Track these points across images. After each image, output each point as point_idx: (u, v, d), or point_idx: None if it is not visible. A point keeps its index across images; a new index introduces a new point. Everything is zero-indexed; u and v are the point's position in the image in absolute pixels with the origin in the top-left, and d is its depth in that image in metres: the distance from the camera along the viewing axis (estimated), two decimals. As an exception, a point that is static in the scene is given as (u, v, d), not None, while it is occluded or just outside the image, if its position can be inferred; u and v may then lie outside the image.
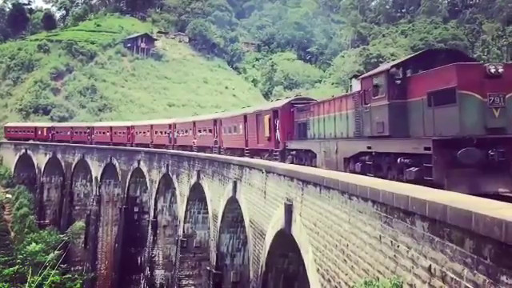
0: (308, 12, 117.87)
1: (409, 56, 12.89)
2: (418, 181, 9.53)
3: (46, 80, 79.28)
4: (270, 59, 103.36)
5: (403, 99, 11.35)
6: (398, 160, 10.77)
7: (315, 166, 15.96)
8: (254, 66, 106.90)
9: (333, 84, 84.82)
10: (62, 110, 74.96)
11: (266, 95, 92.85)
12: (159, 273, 31.79)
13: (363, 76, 13.72)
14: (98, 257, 41.94)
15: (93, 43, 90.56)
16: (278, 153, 20.72)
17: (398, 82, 11.59)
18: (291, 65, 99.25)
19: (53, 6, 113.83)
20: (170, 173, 29.30)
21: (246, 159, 20.44)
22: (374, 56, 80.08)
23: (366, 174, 12.13)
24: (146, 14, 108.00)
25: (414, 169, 10.11)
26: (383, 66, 13.19)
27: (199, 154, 27.75)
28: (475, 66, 10.23)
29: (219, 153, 28.73)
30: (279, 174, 13.97)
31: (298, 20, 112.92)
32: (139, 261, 36.13)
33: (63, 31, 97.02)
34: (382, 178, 10.95)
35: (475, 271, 5.08)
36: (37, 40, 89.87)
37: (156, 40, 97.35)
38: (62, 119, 70.42)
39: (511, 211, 4.92)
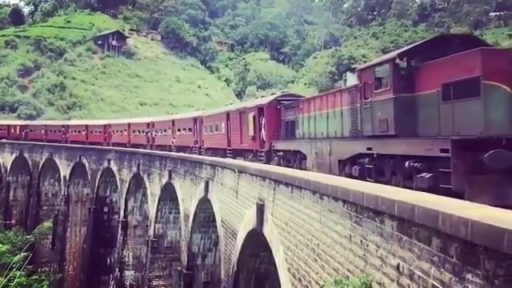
0: (281, 12, 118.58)
1: (417, 43, 11.23)
2: (432, 189, 8.04)
3: (13, 77, 77.30)
4: (243, 59, 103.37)
5: (411, 92, 9.83)
6: (406, 164, 9.18)
7: (305, 169, 14.72)
8: (227, 66, 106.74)
9: (305, 84, 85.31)
10: (29, 108, 73.09)
11: (239, 95, 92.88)
12: (129, 273, 31.29)
13: (363, 67, 12.24)
14: (65, 258, 41.01)
15: (62, 40, 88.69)
16: (263, 153, 19.58)
17: (405, 72, 10.09)
18: (264, 65, 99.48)
19: (21, 0, 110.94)
20: (140, 172, 28.89)
21: (219, 159, 20.20)
22: (346, 57, 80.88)
23: (364, 179, 10.64)
24: (118, 11, 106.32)
25: (427, 175, 8.56)
26: (388, 55, 11.57)
27: (171, 153, 27.38)
28: (502, 51, 8.93)
29: (199, 153, 27.81)
30: (251, 174, 13.93)
31: (272, 20, 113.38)
32: (108, 261, 35.48)
33: (31, 27, 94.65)
34: (385, 183, 9.53)
35: (442, 269, 5.16)
36: (4, 36, 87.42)
37: (128, 38, 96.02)
38: (30, 117, 68.65)
39: (477, 211, 5.03)
